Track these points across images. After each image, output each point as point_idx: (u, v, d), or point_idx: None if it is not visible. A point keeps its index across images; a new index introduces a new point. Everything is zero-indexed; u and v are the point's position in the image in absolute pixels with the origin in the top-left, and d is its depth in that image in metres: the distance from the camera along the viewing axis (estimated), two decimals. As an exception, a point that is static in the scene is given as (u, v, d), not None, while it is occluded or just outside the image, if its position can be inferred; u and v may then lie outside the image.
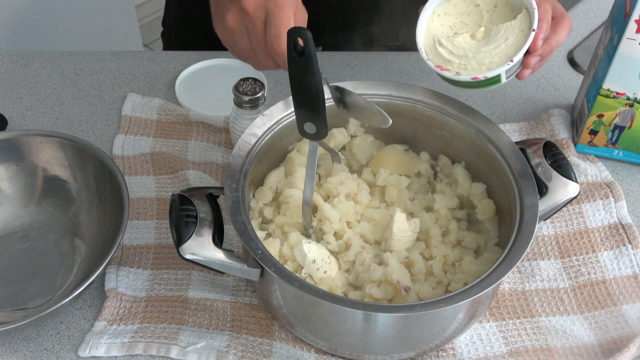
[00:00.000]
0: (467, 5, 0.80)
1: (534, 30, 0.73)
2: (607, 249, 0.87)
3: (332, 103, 0.85)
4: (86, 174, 0.87)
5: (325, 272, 0.75)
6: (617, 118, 0.93)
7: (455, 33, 0.78)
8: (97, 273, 0.75)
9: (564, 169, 0.78)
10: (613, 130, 0.94)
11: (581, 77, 1.12)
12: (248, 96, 0.90)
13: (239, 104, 0.91)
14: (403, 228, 0.79)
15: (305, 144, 0.86)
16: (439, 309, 0.65)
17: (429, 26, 0.79)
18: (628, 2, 0.85)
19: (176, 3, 1.26)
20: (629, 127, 0.93)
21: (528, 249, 0.70)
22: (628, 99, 0.90)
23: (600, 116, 0.93)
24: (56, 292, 0.81)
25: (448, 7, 0.80)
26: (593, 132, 0.96)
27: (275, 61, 0.74)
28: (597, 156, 0.98)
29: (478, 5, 0.80)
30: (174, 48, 1.28)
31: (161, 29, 1.37)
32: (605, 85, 0.90)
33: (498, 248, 0.81)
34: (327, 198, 0.84)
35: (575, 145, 0.99)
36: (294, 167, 0.85)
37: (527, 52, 0.75)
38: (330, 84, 0.76)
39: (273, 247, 0.77)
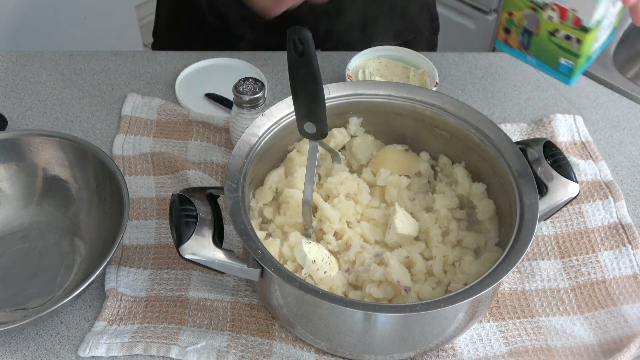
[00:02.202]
0: (402, 71, 1.06)
1: None
2: (607, 249, 0.87)
3: (332, 103, 0.85)
4: (86, 174, 0.87)
5: (325, 272, 0.75)
6: (524, 21, 0.89)
7: (382, 75, 1.05)
8: (97, 273, 0.75)
9: (564, 169, 0.78)
10: (523, 33, 0.91)
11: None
12: (248, 96, 0.90)
13: (239, 104, 0.91)
14: (404, 219, 0.79)
15: (305, 144, 0.86)
16: (439, 309, 0.65)
17: (368, 60, 1.06)
18: None
19: (168, 13, 1.25)
20: (537, 33, 0.89)
21: (528, 249, 0.70)
22: (532, 2, 0.87)
23: (510, 14, 0.90)
24: (56, 292, 0.81)
25: (389, 62, 1.07)
26: (506, 31, 0.92)
27: None
28: (514, 57, 0.95)
29: (408, 70, 1.07)
30: None
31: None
32: None
33: (498, 248, 0.81)
34: (327, 198, 0.84)
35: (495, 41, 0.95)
36: (294, 167, 0.85)
37: None
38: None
39: (273, 247, 0.77)
